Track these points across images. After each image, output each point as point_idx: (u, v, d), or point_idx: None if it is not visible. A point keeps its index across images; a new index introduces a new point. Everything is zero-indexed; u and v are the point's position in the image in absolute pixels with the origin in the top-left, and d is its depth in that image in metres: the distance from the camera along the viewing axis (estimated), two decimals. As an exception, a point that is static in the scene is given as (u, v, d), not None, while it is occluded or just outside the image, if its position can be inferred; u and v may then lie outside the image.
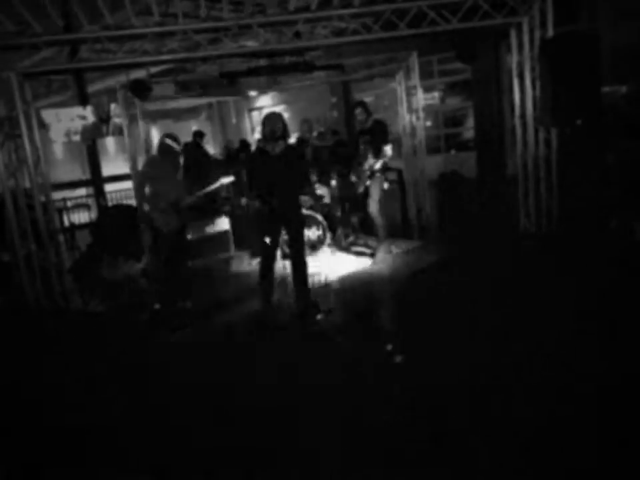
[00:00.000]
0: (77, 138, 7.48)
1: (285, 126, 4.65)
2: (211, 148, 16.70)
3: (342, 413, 3.16)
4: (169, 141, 5.00)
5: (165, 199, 4.94)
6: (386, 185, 6.60)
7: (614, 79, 6.41)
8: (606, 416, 2.80)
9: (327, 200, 7.15)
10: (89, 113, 7.25)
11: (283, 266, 5.84)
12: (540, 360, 3.42)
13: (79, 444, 3.07)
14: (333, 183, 7.27)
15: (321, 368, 3.80)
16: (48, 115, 7.30)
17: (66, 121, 7.30)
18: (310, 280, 5.00)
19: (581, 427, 2.75)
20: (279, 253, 5.59)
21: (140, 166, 6.64)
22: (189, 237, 6.75)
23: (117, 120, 7.70)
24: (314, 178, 6.89)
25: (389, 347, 3.96)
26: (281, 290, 5.37)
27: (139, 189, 5.15)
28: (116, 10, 6.06)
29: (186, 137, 10.52)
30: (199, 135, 10.02)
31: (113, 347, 4.46)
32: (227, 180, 5.38)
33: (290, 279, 5.08)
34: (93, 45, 5.25)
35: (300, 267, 4.86)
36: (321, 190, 7.07)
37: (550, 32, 5.39)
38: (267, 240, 4.73)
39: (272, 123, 4.59)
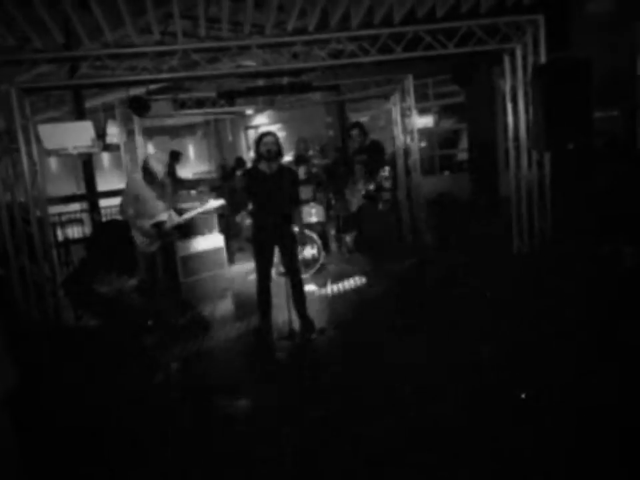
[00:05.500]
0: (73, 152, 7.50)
1: (279, 146, 4.69)
2: (207, 165, 16.80)
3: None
4: (152, 163, 4.91)
5: (147, 220, 4.90)
6: (380, 205, 6.67)
7: (605, 104, 6.55)
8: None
9: (321, 218, 7.19)
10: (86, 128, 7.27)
11: (282, 283, 5.80)
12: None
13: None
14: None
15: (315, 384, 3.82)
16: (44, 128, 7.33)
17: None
18: (305, 298, 5.00)
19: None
20: (275, 271, 5.57)
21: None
22: (182, 254, 6.79)
23: (113, 136, 7.73)
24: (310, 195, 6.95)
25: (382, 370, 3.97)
26: (278, 308, 5.36)
27: (122, 209, 5.03)
28: (116, 28, 6.15)
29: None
30: (173, 155, 9.58)
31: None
32: (216, 203, 5.27)
33: (286, 296, 5.06)
34: (93, 62, 5.30)
35: (297, 286, 4.87)
36: (315, 208, 7.12)
37: (542, 58, 5.51)
38: (261, 259, 4.76)
39: (268, 142, 4.62)
